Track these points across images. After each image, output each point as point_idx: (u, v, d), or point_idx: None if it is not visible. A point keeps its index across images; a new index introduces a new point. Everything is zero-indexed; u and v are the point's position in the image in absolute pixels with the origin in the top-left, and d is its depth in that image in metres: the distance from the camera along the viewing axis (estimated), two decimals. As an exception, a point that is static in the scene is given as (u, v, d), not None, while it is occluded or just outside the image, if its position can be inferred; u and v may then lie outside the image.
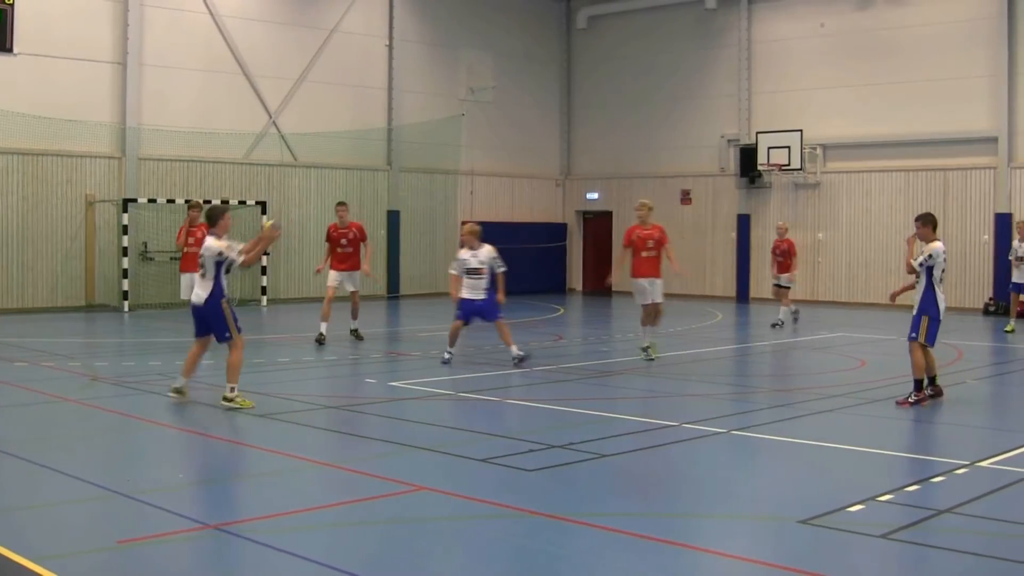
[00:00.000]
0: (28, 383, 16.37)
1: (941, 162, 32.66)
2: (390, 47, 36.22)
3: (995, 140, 31.67)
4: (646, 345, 19.54)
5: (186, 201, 28.36)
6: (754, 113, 36.38)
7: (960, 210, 32.29)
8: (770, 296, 29.88)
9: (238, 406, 13.83)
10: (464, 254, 18.77)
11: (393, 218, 35.89)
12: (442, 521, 9.01)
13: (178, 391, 14.38)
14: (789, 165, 34.40)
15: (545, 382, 17.05)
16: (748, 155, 35.71)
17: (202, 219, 21.11)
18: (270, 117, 33.47)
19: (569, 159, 41.81)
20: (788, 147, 34.28)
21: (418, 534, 8.59)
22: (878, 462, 11.62)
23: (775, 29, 36.08)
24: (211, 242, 13.99)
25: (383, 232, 35.37)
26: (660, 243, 19.61)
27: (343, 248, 21.83)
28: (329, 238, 22.05)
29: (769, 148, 34.69)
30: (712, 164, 37.59)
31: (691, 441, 12.29)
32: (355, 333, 21.98)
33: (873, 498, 9.56)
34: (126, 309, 29.29)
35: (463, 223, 23.79)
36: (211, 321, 14.08)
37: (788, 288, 26.54)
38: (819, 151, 34.72)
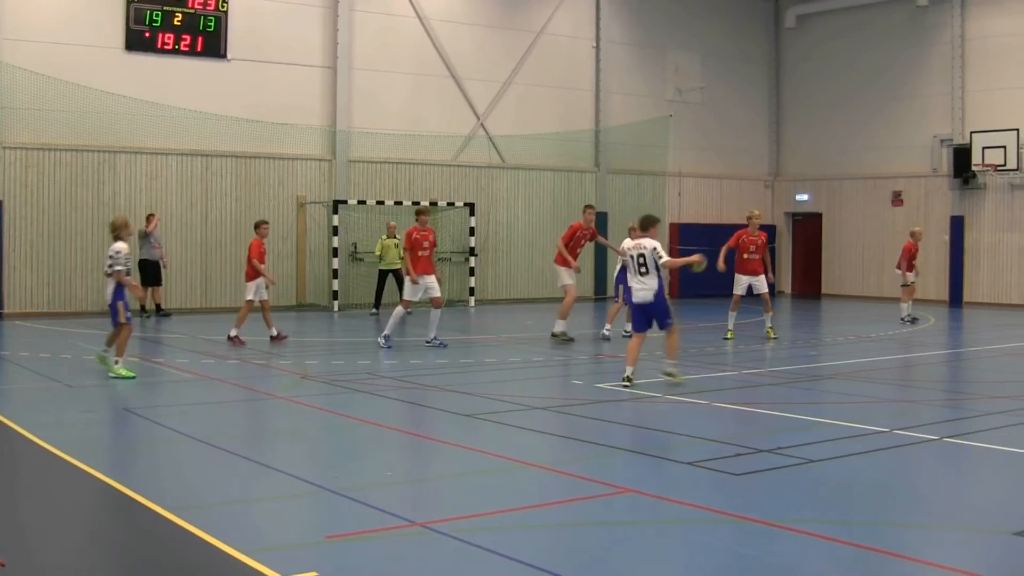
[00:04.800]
0: (240, 380, 16.78)
1: None
2: (597, 48, 36.21)
3: None
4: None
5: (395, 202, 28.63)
6: (968, 112, 35.32)
7: None
8: (987, 300, 29.11)
9: (677, 381, 16.09)
10: (628, 244, 22.19)
11: (601, 219, 35.76)
12: (648, 524, 8.87)
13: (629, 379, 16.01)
14: (1005, 165, 33.36)
15: (753, 385, 16.83)
16: (962, 155, 34.75)
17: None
18: (478, 119, 33.74)
19: (778, 160, 41.23)
20: (1004, 147, 33.27)
21: (624, 537, 8.45)
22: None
23: (990, 26, 34.87)
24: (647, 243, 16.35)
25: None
26: (762, 247, 23.41)
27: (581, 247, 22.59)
28: (575, 236, 22.42)
29: (984, 148, 33.71)
30: (924, 165, 36.63)
31: (902, 448, 11.87)
32: (562, 336, 21.83)
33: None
34: (336, 309, 29.84)
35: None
36: (660, 313, 16.19)
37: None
38: (1035, 151, 33.57)
